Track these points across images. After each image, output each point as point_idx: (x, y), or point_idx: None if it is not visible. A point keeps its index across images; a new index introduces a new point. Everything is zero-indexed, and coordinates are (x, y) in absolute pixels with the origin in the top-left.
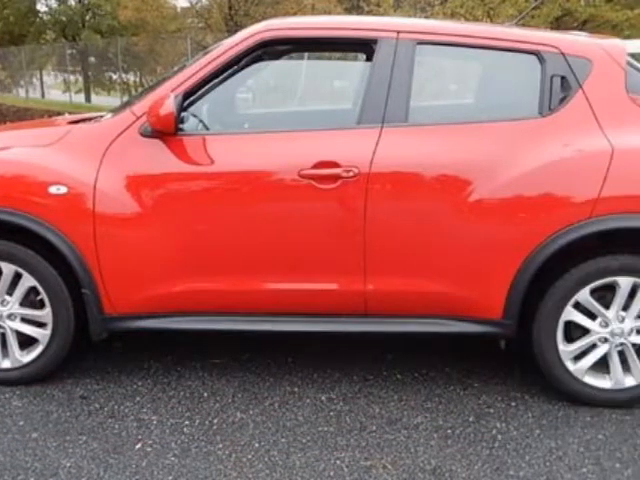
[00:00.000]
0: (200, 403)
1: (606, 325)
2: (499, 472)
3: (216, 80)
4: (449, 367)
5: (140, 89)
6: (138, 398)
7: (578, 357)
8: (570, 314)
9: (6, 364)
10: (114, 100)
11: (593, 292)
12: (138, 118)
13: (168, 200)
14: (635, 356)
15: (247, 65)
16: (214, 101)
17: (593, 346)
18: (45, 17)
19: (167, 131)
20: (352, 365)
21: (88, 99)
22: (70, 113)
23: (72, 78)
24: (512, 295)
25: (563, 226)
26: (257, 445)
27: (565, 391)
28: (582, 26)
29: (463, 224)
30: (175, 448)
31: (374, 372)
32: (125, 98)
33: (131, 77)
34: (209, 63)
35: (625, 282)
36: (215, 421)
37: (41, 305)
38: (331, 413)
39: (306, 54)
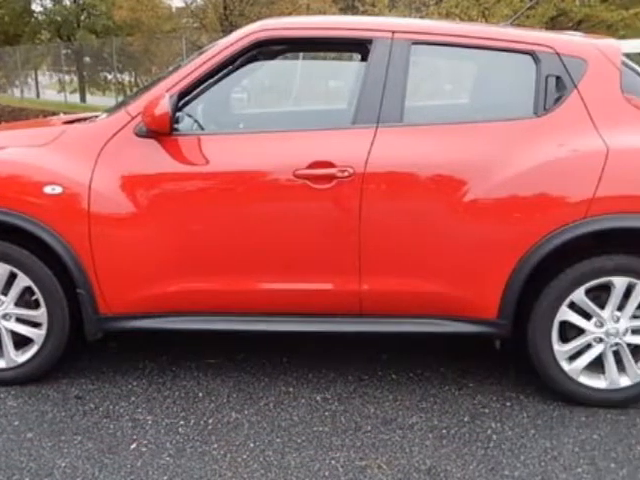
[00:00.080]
0: (195, 403)
1: (601, 325)
2: (494, 472)
3: (211, 80)
4: (444, 367)
5: (135, 89)
6: (133, 398)
7: (573, 357)
8: (565, 314)
9: (1, 364)
10: (109, 100)
11: (588, 292)
12: (133, 118)
13: (163, 200)
14: (630, 356)
15: (242, 65)
16: (209, 101)
17: (588, 346)
18: (40, 17)
19: (162, 131)
20: (347, 365)
21: (83, 99)
22: (65, 113)
23: (67, 78)
24: (507, 295)
25: (558, 226)
26: (252, 445)
27: (560, 391)
28: (577, 26)
29: (458, 224)
30: (170, 448)
31: (369, 372)
32: (120, 98)
33: (126, 77)
34: (204, 63)
35: (620, 282)
36: (210, 421)
37: (36, 305)
38: (326, 413)
39: (301, 54)
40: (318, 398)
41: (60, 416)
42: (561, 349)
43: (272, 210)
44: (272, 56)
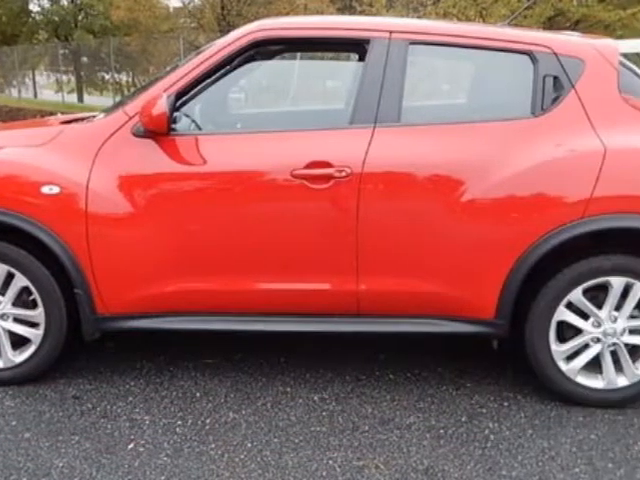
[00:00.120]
0: (193, 403)
1: (599, 325)
2: (491, 472)
3: (209, 80)
4: (442, 367)
5: (133, 89)
6: (130, 398)
7: (571, 357)
8: (562, 314)
9: None
10: (107, 100)
11: (586, 292)
12: (131, 118)
13: (161, 200)
14: (627, 356)
15: (240, 65)
16: (207, 101)
17: (585, 346)
18: (38, 17)
19: (159, 131)
20: (345, 365)
21: (81, 99)
22: (63, 113)
23: (65, 78)
24: (505, 295)
25: (556, 226)
26: (250, 445)
27: (558, 391)
28: (575, 26)
29: (456, 224)
30: (168, 448)
31: (367, 372)
32: (118, 98)
33: (124, 77)
34: (202, 63)
35: (617, 282)
36: (207, 421)
37: (34, 305)
38: (324, 413)
39: (299, 54)
40: (316, 398)
41: (58, 416)
42: (559, 349)
43: (270, 210)
44: (270, 56)
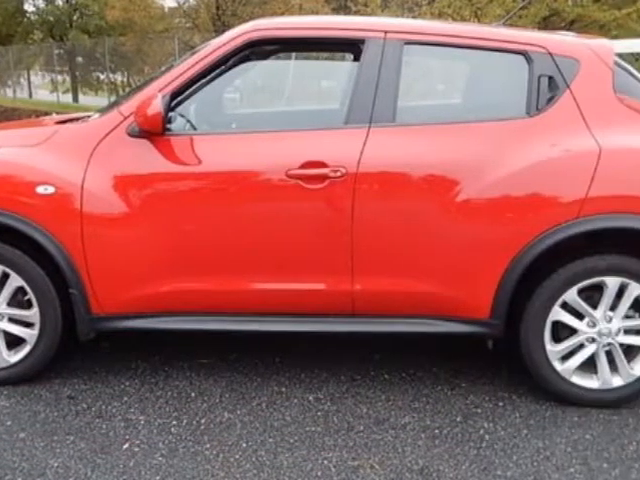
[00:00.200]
0: (188, 403)
1: (594, 325)
2: (487, 472)
3: (204, 80)
4: (437, 367)
5: (128, 89)
6: (125, 398)
7: (566, 357)
8: (557, 314)
9: None
10: (102, 100)
11: (581, 292)
12: (126, 118)
13: (156, 200)
14: (622, 356)
15: (235, 65)
16: (202, 101)
17: (581, 346)
18: (33, 17)
19: (155, 131)
20: (340, 365)
21: (76, 99)
22: (57, 113)
23: (60, 78)
24: (500, 295)
25: (551, 226)
26: (244, 445)
27: (553, 391)
28: (570, 26)
29: (451, 224)
30: (163, 448)
31: (362, 372)
32: (113, 98)
33: (119, 77)
34: (197, 63)
35: (612, 282)
36: (202, 421)
37: (29, 305)
38: (319, 413)
39: (294, 54)
40: (311, 398)
41: (53, 416)
42: (554, 349)
43: (265, 210)
44: (265, 56)
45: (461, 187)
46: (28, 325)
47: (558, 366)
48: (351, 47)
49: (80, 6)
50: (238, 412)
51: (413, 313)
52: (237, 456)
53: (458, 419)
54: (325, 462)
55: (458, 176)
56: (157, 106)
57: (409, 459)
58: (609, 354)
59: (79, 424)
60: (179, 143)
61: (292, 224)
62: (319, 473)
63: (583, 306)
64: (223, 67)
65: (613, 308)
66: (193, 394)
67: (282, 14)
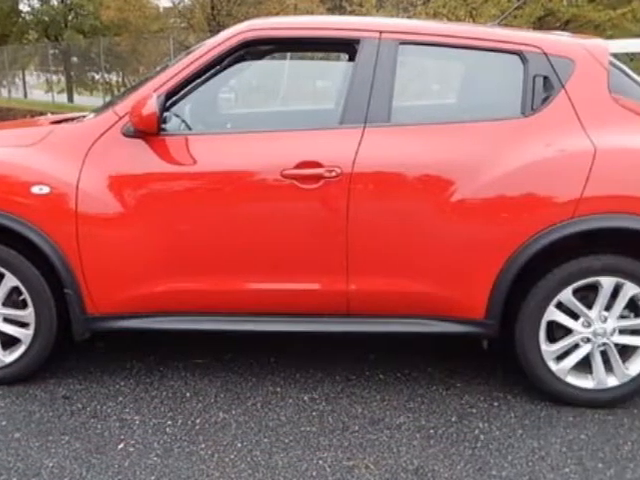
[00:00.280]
0: (182, 403)
1: (589, 325)
2: (482, 472)
3: (199, 80)
4: (431, 367)
5: (122, 89)
6: (121, 398)
7: (561, 357)
8: (552, 314)
9: None
10: (97, 100)
11: (576, 292)
12: (121, 118)
13: (151, 200)
14: (617, 356)
15: (229, 65)
16: (197, 101)
17: (575, 346)
18: (28, 17)
19: (150, 131)
20: (334, 365)
21: (71, 99)
22: (52, 113)
23: (55, 78)
24: (495, 295)
25: (545, 226)
26: (240, 445)
27: (548, 391)
28: (565, 26)
29: (445, 224)
30: (158, 448)
31: (356, 372)
32: (108, 98)
33: (114, 77)
34: (192, 63)
35: (607, 282)
36: (197, 421)
37: (24, 305)
38: (314, 413)
39: (289, 54)
40: (305, 398)
41: (48, 416)
42: (549, 349)
43: (260, 210)
44: (260, 56)
45: (456, 187)
46: (23, 325)
47: (553, 366)
48: (346, 47)
49: (75, 6)
50: (233, 412)
51: (408, 313)
52: (232, 456)
53: (453, 419)
54: (320, 462)
55: (453, 176)
56: (152, 106)
57: (404, 459)
58: (604, 354)
59: (74, 424)
60: (174, 143)
61: (287, 224)
62: (314, 473)
63: (578, 306)
64: (218, 67)
65: (608, 308)
66: (188, 394)
67: (277, 14)
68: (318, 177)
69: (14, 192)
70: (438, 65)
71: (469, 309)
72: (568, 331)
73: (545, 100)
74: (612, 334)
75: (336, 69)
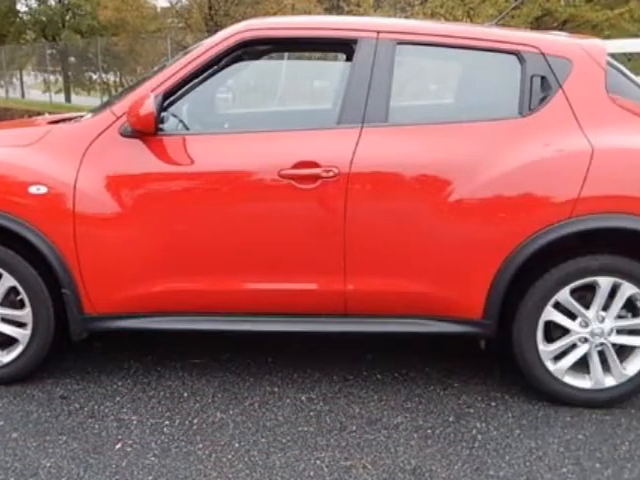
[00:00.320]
0: (180, 403)
1: (586, 325)
2: (479, 472)
3: (196, 80)
4: (429, 367)
5: (120, 89)
6: (118, 398)
7: (558, 357)
8: (550, 314)
9: None
10: (94, 100)
11: (573, 292)
12: (118, 118)
13: (148, 200)
14: (615, 356)
15: (227, 65)
16: (194, 101)
17: (573, 346)
18: (25, 17)
19: (147, 131)
20: (332, 365)
21: (68, 99)
22: (50, 113)
23: (52, 78)
24: (492, 295)
25: (543, 226)
26: (237, 445)
27: (545, 391)
28: (562, 26)
29: (443, 224)
30: (155, 448)
31: (354, 372)
32: (105, 98)
33: (111, 77)
34: (189, 63)
35: (605, 282)
36: (195, 421)
37: (21, 305)
38: (311, 413)
39: (286, 54)
40: (303, 398)
41: (45, 416)
42: (546, 349)
43: (257, 210)
44: (257, 56)
45: (454, 187)
46: (21, 325)
47: (551, 366)
48: (344, 47)
49: (72, 6)
50: (231, 412)
51: (405, 313)
52: (230, 456)
53: (451, 419)
54: (317, 462)
55: (451, 176)
56: (149, 106)
57: (401, 459)
58: (602, 354)
59: (72, 424)
60: (172, 143)
61: (285, 224)
62: (311, 473)
63: (576, 306)
64: (215, 67)
65: (605, 308)
66: (185, 394)
67: (274, 14)
68: (316, 177)
69: (12, 192)
70: (436, 65)
71: (467, 309)
72: (566, 331)
73: (543, 100)
74: (610, 334)
75: (333, 69)
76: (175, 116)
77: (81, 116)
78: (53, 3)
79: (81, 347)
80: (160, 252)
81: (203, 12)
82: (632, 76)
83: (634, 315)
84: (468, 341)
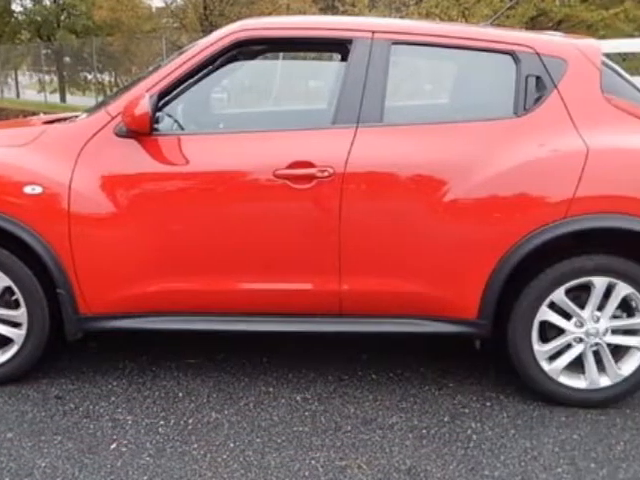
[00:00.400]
0: (175, 403)
1: (581, 325)
2: (474, 472)
3: (191, 80)
4: (424, 367)
5: (115, 89)
6: (113, 398)
7: (553, 357)
8: (545, 314)
9: None
10: (89, 100)
11: (568, 292)
12: (113, 118)
13: (143, 200)
14: (610, 356)
15: (222, 65)
16: (189, 101)
17: (568, 346)
18: (20, 17)
19: (142, 131)
20: (327, 365)
21: (63, 99)
22: (45, 113)
23: (47, 78)
24: (487, 295)
25: (538, 226)
26: (232, 445)
27: (540, 391)
28: (557, 26)
29: (438, 224)
30: (150, 448)
31: (349, 372)
32: (100, 98)
33: (106, 77)
34: (184, 63)
35: (600, 282)
36: (190, 421)
37: (16, 305)
38: (306, 413)
39: (281, 54)
40: (298, 398)
41: (40, 416)
42: (541, 349)
43: (252, 210)
44: (252, 56)
45: (449, 187)
46: (15, 325)
47: (546, 366)
48: (339, 47)
49: (67, 6)
50: (226, 412)
51: (401, 313)
52: (225, 456)
53: (446, 419)
54: (313, 462)
55: (446, 176)
56: (144, 106)
57: (396, 459)
58: (597, 354)
59: (67, 424)
60: (167, 143)
61: (280, 224)
62: (306, 473)
63: (571, 306)
64: (211, 67)
65: (600, 308)
66: (181, 394)
67: (269, 14)
68: (310, 177)
69: (6, 192)
70: (431, 65)
71: (462, 309)
72: (561, 331)
73: (538, 100)
74: (604, 334)
75: (329, 69)
76: (170, 116)
77: (76, 116)
78: (48, 3)
79: (76, 347)
80: (155, 252)
81: (198, 12)
82: (627, 76)
83: (629, 315)
84: (463, 341)
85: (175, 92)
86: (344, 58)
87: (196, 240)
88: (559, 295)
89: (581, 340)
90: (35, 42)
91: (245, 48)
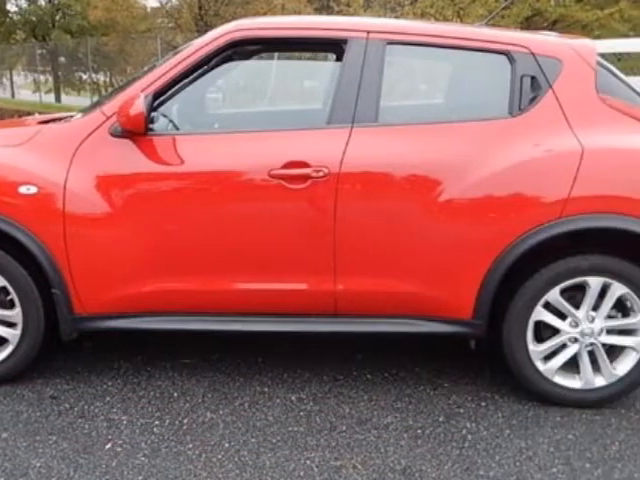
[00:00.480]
0: (170, 403)
1: (576, 325)
2: (469, 472)
3: (186, 80)
4: (419, 367)
5: (110, 89)
6: (108, 398)
7: (548, 357)
8: (540, 314)
9: None
10: (84, 100)
11: (563, 292)
12: (108, 118)
13: (138, 200)
14: (605, 356)
15: (217, 65)
16: (184, 101)
17: (563, 346)
18: (15, 17)
19: (137, 131)
20: (322, 365)
21: (58, 99)
22: (40, 113)
23: (42, 78)
24: (482, 295)
25: (533, 226)
26: (227, 445)
27: (535, 391)
28: (552, 26)
29: (433, 224)
30: (145, 448)
31: (344, 372)
32: (95, 98)
33: (101, 77)
34: (179, 63)
35: (595, 282)
36: (185, 421)
37: (11, 305)
38: (301, 413)
39: (276, 54)
40: (293, 398)
41: (35, 416)
42: (536, 349)
43: (247, 210)
44: (247, 56)
45: (443, 187)
46: (10, 325)
47: (541, 366)
48: (334, 47)
49: (62, 6)
50: (221, 412)
51: (396, 313)
52: (220, 456)
53: (441, 419)
54: (307, 462)
55: (440, 176)
56: (139, 106)
57: (391, 459)
58: (592, 354)
59: (62, 424)
60: (162, 143)
61: (275, 224)
62: (301, 473)
63: (566, 306)
64: (206, 67)
65: (596, 308)
66: (176, 394)
67: (265, 14)
68: (305, 177)
69: (1, 192)
70: (426, 65)
71: (457, 309)
72: (556, 331)
73: (533, 100)
74: (600, 334)
75: (324, 69)
76: (165, 116)
77: (71, 116)
78: (43, 3)
79: (71, 347)
80: (150, 252)
81: (193, 12)
82: (622, 76)
83: (624, 315)
84: (458, 341)
85: (170, 92)
86: (339, 58)
87: (191, 240)
88: (554, 295)
89: (576, 340)
90: (30, 42)
91: (240, 48)
